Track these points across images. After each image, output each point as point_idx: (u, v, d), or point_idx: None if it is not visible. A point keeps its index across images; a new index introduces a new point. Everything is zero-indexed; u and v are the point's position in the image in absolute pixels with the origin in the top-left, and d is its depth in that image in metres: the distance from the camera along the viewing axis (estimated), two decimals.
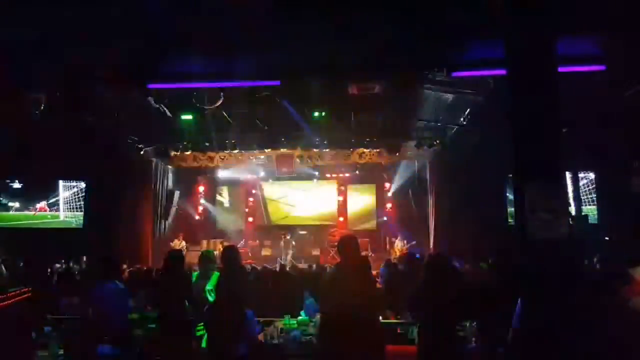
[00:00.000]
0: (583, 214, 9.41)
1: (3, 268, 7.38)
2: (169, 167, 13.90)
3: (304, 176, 15.40)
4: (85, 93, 7.58)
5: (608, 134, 8.26)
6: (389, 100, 8.17)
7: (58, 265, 8.51)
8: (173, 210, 14.27)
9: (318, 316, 4.83)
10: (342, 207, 16.43)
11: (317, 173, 15.56)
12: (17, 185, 9.27)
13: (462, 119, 9.74)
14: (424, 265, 3.88)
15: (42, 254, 8.86)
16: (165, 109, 8.72)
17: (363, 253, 6.88)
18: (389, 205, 15.32)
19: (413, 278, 4.24)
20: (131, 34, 5.06)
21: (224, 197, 16.99)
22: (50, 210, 9.43)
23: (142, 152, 11.70)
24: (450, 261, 4.21)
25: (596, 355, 3.16)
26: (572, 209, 8.19)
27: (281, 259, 12.34)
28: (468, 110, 9.19)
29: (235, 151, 12.35)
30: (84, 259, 9.09)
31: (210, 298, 4.21)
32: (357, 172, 15.47)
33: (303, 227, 15.82)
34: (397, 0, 4.66)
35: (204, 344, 4.01)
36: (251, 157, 13.24)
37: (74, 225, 9.53)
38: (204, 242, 14.04)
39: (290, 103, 8.31)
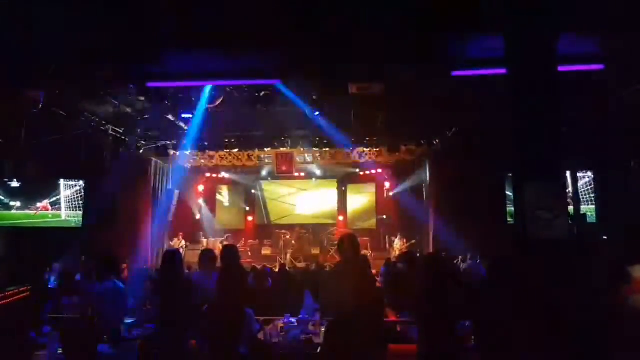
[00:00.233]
0: (581, 213, 9.40)
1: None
2: (169, 166, 13.91)
3: (304, 175, 15.41)
4: (85, 92, 7.57)
5: (607, 133, 8.26)
6: (389, 100, 8.15)
7: (57, 265, 8.49)
8: (172, 209, 14.28)
9: (318, 316, 4.86)
10: (342, 206, 16.43)
11: (317, 172, 15.57)
12: (16, 184, 9.26)
13: (461, 119, 9.73)
14: (422, 265, 3.88)
15: (41, 253, 8.84)
16: (164, 108, 8.71)
17: (363, 252, 6.89)
18: (388, 205, 15.31)
19: (413, 277, 4.24)
20: (131, 32, 5.05)
21: (223, 196, 17.01)
22: (52, 209, 9.42)
23: (141, 151, 11.70)
24: (448, 261, 4.21)
25: (596, 352, 3.16)
26: (571, 209, 8.20)
27: (281, 258, 12.35)
28: (468, 110, 9.17)
29: (235, 150, 12.34)
30: (83, 258, 9.07)
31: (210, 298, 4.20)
32: (357, 171, 15.48)
33: (303, 226, 15.87)
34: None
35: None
36: (251, 156, 13.27)
37: (73, 225, 9.52)
38: (204, 241, 14.06)
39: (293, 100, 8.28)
